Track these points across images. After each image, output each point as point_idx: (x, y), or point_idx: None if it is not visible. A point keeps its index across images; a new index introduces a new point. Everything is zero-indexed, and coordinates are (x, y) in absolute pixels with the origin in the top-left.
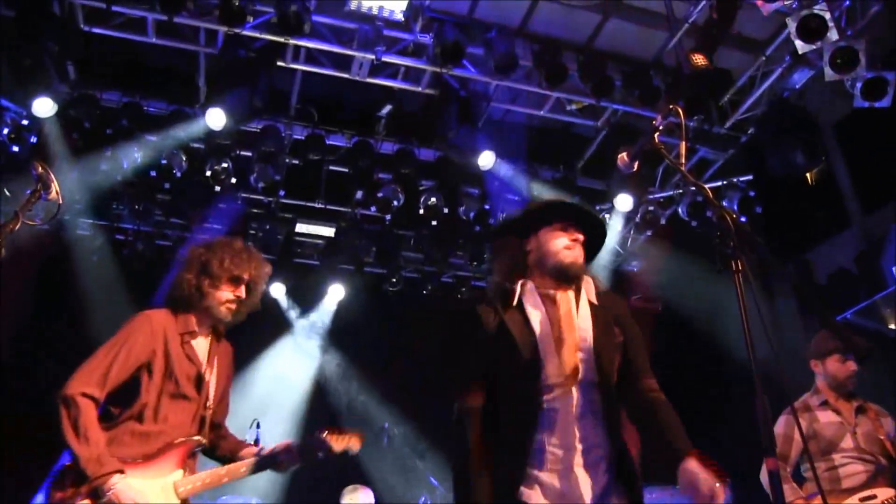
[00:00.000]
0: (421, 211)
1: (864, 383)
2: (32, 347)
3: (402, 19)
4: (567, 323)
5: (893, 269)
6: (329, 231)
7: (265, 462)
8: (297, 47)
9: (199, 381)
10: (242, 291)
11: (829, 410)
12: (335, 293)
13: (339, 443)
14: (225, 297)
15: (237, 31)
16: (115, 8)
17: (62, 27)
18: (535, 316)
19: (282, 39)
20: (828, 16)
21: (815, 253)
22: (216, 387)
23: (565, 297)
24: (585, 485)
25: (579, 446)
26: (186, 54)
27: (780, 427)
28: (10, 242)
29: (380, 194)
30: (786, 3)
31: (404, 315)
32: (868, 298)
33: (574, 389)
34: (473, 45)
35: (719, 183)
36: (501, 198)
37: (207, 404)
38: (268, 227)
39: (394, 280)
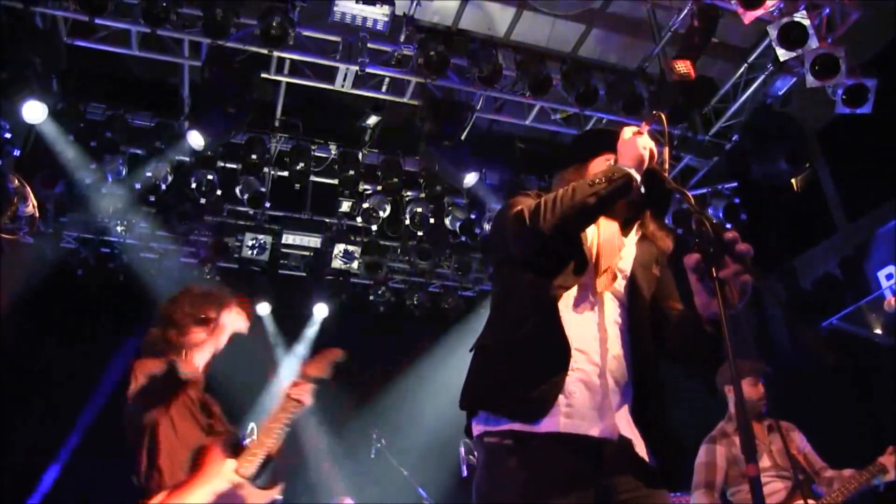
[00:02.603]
0: (407, 221)
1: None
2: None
3: (386, 30)
4: (609, 240)
5: (878, 273)
6: (315, 242)
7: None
8: (281, 59)
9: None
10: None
11: None
12: (320, 312)
13: (317, 369)
14: (200, 338)
15: (221, 43)
16: (98, 21)
17: (45, 40)
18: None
19: (266, 51)
20: (808, 23)
21: (800, 259)
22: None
23: (610, 224)
24: (610, 400)
25: (607, 361)
26: (170, 67)
27: (701, 456)
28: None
29: (365, 204)
30: (767, 10)
31: (391, 325)
32: (853, 304)
33: (608, 297)
34: (457, 55)
35: (704, 190)
36: (488, 208)
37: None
38: (254, 238)
39: (380, 291)
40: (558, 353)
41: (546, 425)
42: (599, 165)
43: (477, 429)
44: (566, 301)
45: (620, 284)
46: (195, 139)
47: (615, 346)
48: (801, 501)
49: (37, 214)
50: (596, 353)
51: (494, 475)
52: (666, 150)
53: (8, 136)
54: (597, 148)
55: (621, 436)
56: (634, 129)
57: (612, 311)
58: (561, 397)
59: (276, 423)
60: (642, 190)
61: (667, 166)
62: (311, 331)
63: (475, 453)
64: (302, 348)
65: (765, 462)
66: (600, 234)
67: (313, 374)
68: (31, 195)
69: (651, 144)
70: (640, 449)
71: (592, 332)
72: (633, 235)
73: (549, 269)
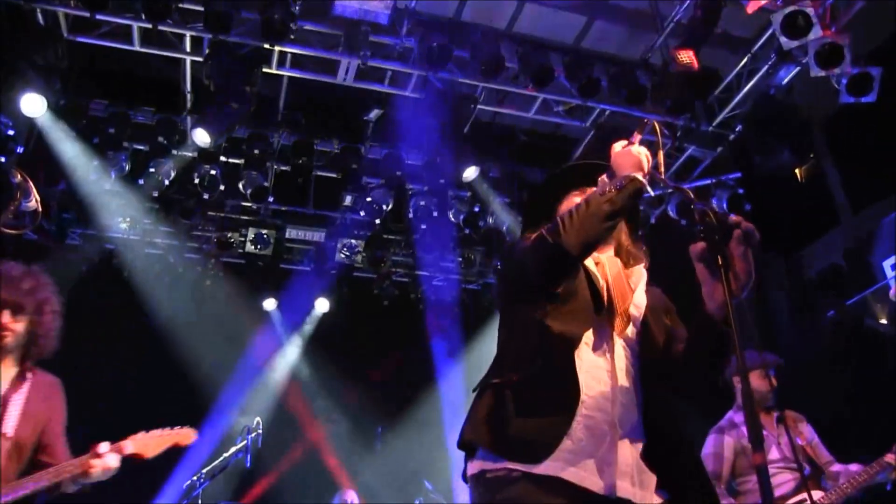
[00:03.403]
0: (410, 214)
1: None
2: None
3: (388, 23)
4: (617, 281)
5: (884, 264)
6: (319, 236)
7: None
8: (283, 53)
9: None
10: (6, 316)
11: None
12: (321, 306)
13: (143, 446)
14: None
15: (222, 37)
16: (99, 16)
17: (46, 37)
18: (593, 269)
19: (267, 45)
20: (812, 12)
21: (805, 250)
22: (20, 415)
23: (613, 260)
24: (621, 452)
25: (616, 407)
26: (172, 62)
27: (708, 447)
28: None
29: (368, 198)
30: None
31: (394, 319)
32: (859, 294)
33: (619, 344)
34: (459, 48)
35: (708, 181)
36: (491, 200)
37: (4, 431)
38: (257, 233)
39: (384, 284)
40: (568, 396)
41: (548, 468)
42: (567, 204)
43: (474, 466)
44: (579, 343)
45: (631, 331)
46: (201, 136)
47: (625, 394)
48: (809, 493)
49: (40, 210)
50: (607, 399)
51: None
52: (660, 155)
53: (11, 132)
54: (564, 190)
55: (620, 498)
56: (623, 143)
57: (623, 357)
58: (567, 441)
59: (54, 475)
60: (652, 193)
61: (662, 170)
62: (313, 325)
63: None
64: (303, 343)
65: (774, 454)
66: (608, 273)
67: (132, 451)
68: (35, 190)
69: (644, 150)
70: (650, 499)
71: (603, 379)
72: (641, 283)
73: (563, 310)
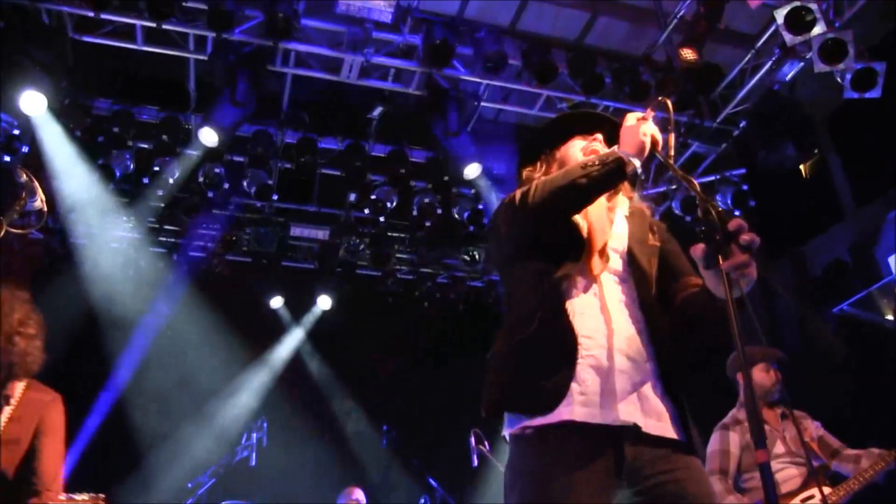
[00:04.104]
0: (414, 212)
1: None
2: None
3: (391, 21)
4: (598, 218)
5: (889, 259)
6: (323, 234)
7: None
8: (287, 51)
9: None
10: None
11: None
12: (323, 303)
13: None
14: None
15: (226, 36)
16: (103, 16)
17: (51, 36)
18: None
19: (271, 43)
20: (815, 7)
21: (809, 245)
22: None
23: (598, 201)
24: (622, 381)
25: (615, 341)
26: (176, 60)
27: (714, 444)
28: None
29: (373, 196)
30: None
31: (399, 316)
32: (864, 289)
33: (608, 279)
34: (463, 45)
35: (712, 178)
36: (495, 197)
37: None
38: (262, 231)
39: (388, 282)
40: (566, 343)
41: (560, 414)
42: (568, 150)
43: (505, 429)
44: (568, 290)
45: (617, 263)
46: (208, 136)
47: (623, 325)
48: (816, 488)
49: (45, 209)
50: (603, 335)
51: (518, 469)
52: (671, 137)
53: (16, 132)
54: (564, 134)
55: (636, 424)
56: (638, 115)
57: (614, 290)
58: (574, 385)
59: None
60: (641, 175)
61: (672, 153)
62: (318, 323)
63: (485, 443)
64: (308, 341)
65: (779, 448)
66: (589, 215)
67: None
68: (40, 190)
69: (653, 131)
70: (661, 429)
71: (597, 316)
72: (621, 211)
73: (549, 259)
